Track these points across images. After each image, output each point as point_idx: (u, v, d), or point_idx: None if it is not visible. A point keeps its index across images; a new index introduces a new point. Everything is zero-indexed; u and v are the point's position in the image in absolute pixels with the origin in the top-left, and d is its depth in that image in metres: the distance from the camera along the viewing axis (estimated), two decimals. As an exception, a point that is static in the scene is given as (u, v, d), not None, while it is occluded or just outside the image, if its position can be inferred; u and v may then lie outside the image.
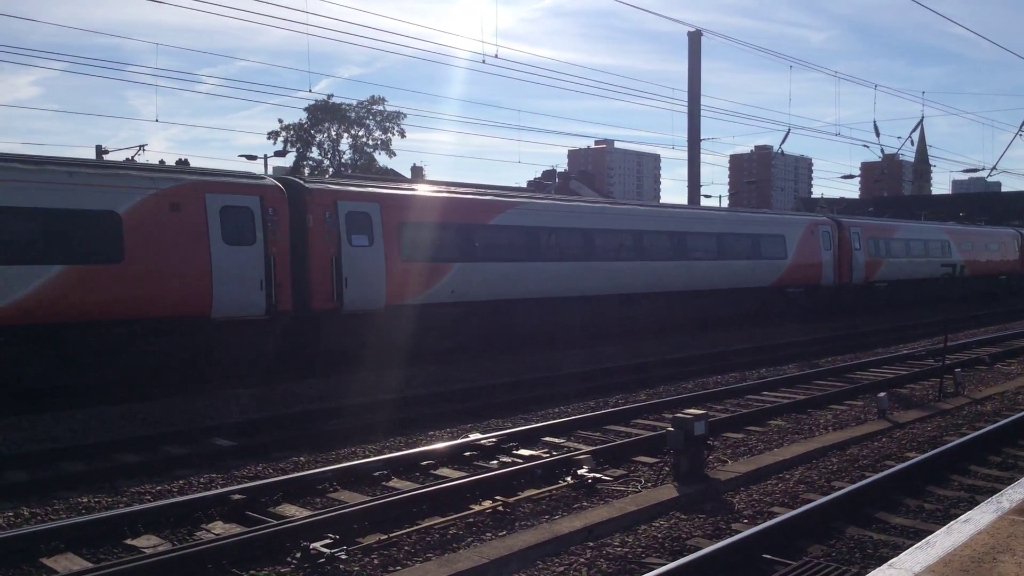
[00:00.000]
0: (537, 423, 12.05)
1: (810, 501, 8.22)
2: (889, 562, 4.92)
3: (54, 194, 13.40)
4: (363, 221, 16.99)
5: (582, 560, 6.97)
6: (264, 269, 15.37)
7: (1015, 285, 42.05)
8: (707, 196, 74.65)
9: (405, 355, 16.86)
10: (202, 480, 9.40)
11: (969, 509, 6.23)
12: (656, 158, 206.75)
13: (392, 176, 51.73)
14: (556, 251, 20.89)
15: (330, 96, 69.92)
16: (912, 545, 5.27)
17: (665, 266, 23.49)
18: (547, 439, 11.31)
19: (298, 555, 6.91)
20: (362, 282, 16.76)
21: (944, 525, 5.72)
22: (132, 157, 34.32)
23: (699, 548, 6.97)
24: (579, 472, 9.13)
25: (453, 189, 21.38)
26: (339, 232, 16.55)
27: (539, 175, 62.73)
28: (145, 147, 36.00)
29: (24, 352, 13.15)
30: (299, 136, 69.69)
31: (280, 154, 56.83)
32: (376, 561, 6.94)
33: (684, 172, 33.97)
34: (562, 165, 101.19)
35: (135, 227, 14.10)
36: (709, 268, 25.06)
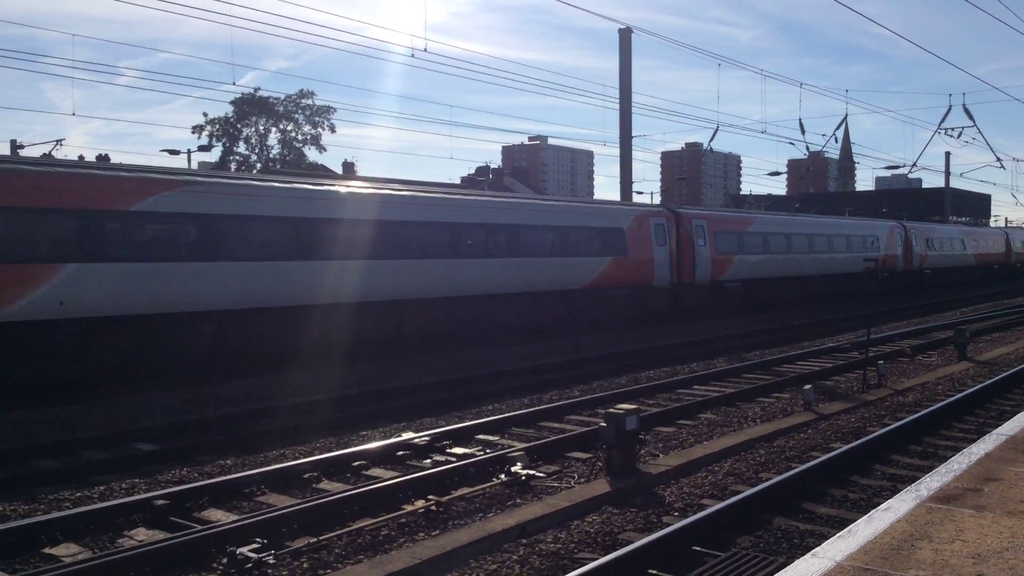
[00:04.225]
0: (471, 421, 12.01)
1: (739, 493, 8.36)
2: (813, 551, 5.01)
3: (602, 218, 25.00)
4: (701, 231, 27.93)
5: (515, 558, 6.95)
6: (668, 259, 26.32)
7: (1003, 271, 55.42)
8: (639, 192, 75.50)
9: (712, 311, 27.44)
10: (124, 486, 9.11)
11: (890, 498, 6.39)
12: (589, 155, 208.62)
13: (323, 172, 50.95)
14: (776, 247, 31.97)
15: (257, 89, 68.48)
16: (835, 534, 5.38)
17: (821, 256, 34.55)
18: (481, 437, 11.29)
19: (225, 561, 6.75)
20: (702, 267, 27.73)
21: (866, 514, 5.85)
22: (49, 152, 33.19)
23: (631, 542, 7.01)
24: (513, 469, 9.12)
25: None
26: (692, 238, 27.41)
27: (472, 171, 62.62)
28: (63, 142, 34.88)
29: (590, 304, 23.67)
30: (225, 130, 68.07)
31: (205, 148, 55.54)
32: (306, 565, 6.81)
33: (617, 168, 34.33)
34: (496, 161, 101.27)
35: (628, 235, 25.07)
36: (842, 258, 35.42)
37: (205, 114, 67.86)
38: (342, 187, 19.46)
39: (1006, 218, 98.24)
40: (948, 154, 70.82)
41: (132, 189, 14.96)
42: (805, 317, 28.85)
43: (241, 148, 69.63)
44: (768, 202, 57.38)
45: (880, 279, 37.03)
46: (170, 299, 15.13)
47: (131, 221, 14.90)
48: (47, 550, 7.18)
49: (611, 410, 9.38)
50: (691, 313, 26.95)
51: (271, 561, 6.72)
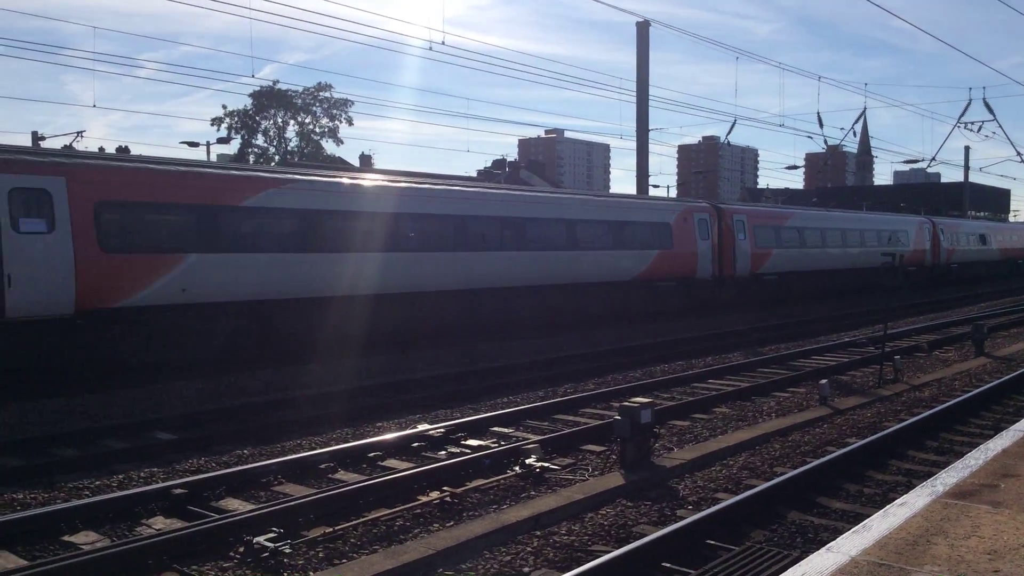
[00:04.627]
0: (486, 413, 12.05)
1: (753, 487, 8.35)
2: (828, 546, 5.01)
3: (651, 213, 25.60)
4: (741, 225, 28.71)
5: (529, 549, 6.98)
6: (711, 252, 27.03)
7: None
8: (655, 186, 75.24)
9: (749, 301, 28.43)
10: (142, 474, 9.21)
11: (906, 493, 6.37)
12: (606, 148, 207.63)
13: (339, 164, 51.10)
14: (811, 242, 32.92)
15: (275, 82, 68.76)
16: (850, 529, 5.38)
17: (853, 251, 35.78)
18: (496, 429, 11.32)
19: (242, 549, 6.81)
20: (742, 260, 28.53)
21: (881, 509, 5.84)
22: (70, 144, 33.49)
23: (645, 535, 7.03)
24: (527, 462, 9.14)
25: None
26: (733, 232, 28.24)
27: (489, 164, 62.58)
28: (83, 133, 35.14)
29: (633, 293, 24.24)
30: (244, 123, 68.36)
31: (224, 141, 55.79)
32: (321, 554, 6.87)
33: (633, 162, 34.20)
34: (512, 154, 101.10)
35: (674, 229, 25.73)
36: (873, 252, 35.42)
37: (224, 106, 68.29)
38: (426, 184, 20.34)
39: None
40: (968, 148, 70.53)
41: (242, 186, 15.93)
42: (831, 311, 29.24)
43: (259, 141, 70.00)
44: (785, 196, 57.14)
45: (898, 274, 37.54)
46: (277, 287, 16.08)
47: (242, 215, 15.81)
48: (67, 538, 7.26)
49: (626, 403, 9.39)
50: (730, 305, 27.76)
51: (287, 550, 6.78)
